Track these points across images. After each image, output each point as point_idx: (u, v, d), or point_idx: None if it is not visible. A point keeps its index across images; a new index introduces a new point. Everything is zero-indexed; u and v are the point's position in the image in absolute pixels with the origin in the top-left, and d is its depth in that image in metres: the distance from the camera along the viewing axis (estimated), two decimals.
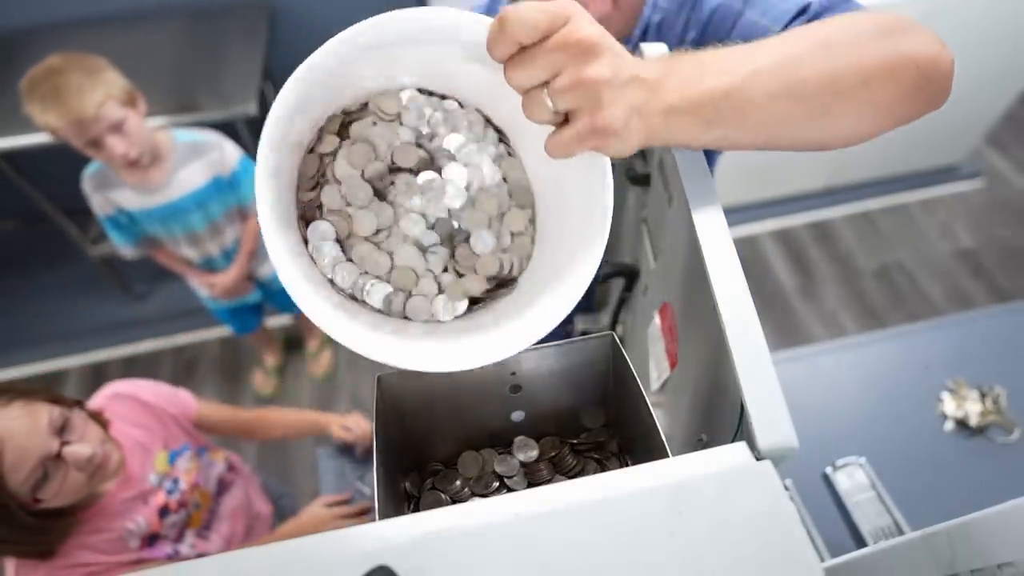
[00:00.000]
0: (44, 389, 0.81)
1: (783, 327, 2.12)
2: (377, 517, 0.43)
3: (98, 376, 2.16)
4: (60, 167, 1.27)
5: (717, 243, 0.46)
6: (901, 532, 0.93)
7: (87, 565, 0.84)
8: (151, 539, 0.92)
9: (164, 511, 0.93)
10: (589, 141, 0.40)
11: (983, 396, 1.08)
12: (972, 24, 1.84)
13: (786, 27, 0.58)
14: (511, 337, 0.42)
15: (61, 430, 0.78)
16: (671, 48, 0.59)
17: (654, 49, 0.59)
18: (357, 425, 1.18)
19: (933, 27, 0.48)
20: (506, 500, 0.36)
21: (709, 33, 0.67)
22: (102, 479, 0.84)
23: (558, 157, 0.41)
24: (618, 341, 0.54)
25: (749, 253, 2.33)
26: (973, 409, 1.06)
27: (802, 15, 0.58)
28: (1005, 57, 1.99)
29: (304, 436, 1.25)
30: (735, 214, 2.37)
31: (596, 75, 0.37)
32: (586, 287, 0.43)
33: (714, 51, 0.44)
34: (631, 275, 0.79)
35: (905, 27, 0.47)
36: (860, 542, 0.93)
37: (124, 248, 1.50)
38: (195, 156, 1.40)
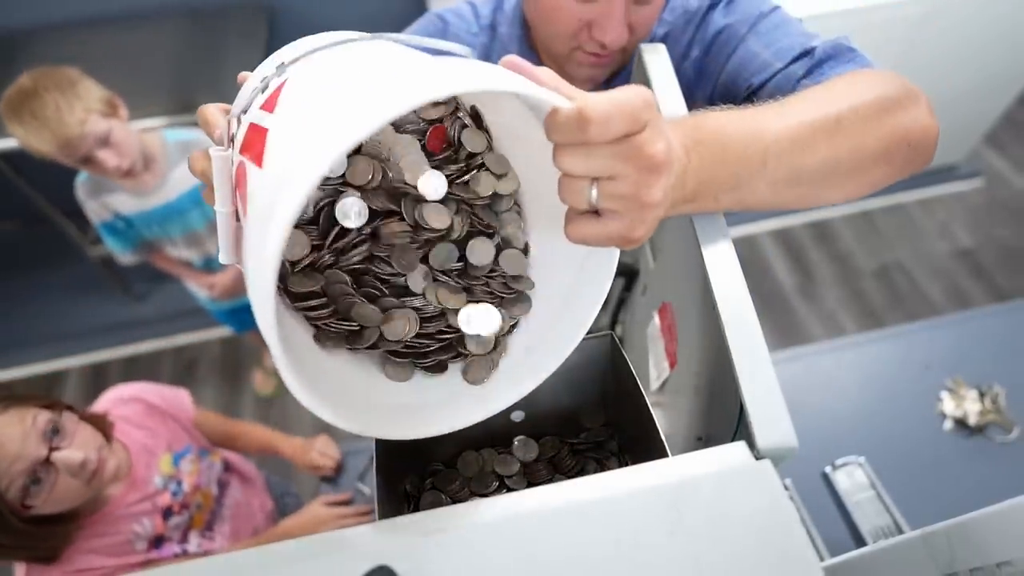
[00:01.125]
0: (36, 394, 0.81)
1: (782, 327, 2.12)
2: (377, 517, 0.44)
3: (98, 376, 2.16)
4: (60, 168, 1.27)
5: (716, 243, 0.46)
6: (900, 531, 0.93)
7: (94, 570, 0.83)
8: (157, 541, 0.92)
9: (168, 513, 0.93)
10: (613, 244, 0.39)
11: (982, 395, 1.08)
12: (972, 24, 1.84)
13: (787, 66, 0.59)
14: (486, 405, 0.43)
15: (52, 435, 0.77)
16: (671, 59, 0.59)
17: (653, 51, 0.59)
18: (324, 456, 1.13)
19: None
20: (506, 500, 0.37)
21: (712, 53, 0.67)
22: (101, 484, 0.83)
23: (573, 242, 0.39)
24: (617, 341, 0.54)
25: (748, 253, 2.33)
26: (972, 408, 1.06)
27: (805, 57, 0.59)
28: (1005, 58, 1.98)
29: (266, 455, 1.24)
30: (734, 213, 2.35)
31: (652, 199, 0.36)
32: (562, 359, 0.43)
33: (736, 130, 0.43)
34: (630, 275, 0.80)
35: (905, 98, 0.50)
36: (860, 541, 0.94)
37: (122, 255, 1.49)
38: (188, 154, 1.39)
